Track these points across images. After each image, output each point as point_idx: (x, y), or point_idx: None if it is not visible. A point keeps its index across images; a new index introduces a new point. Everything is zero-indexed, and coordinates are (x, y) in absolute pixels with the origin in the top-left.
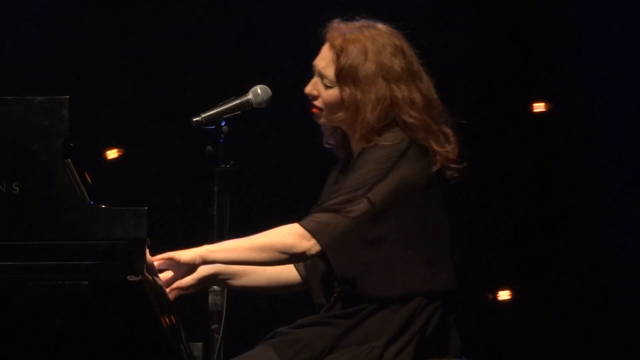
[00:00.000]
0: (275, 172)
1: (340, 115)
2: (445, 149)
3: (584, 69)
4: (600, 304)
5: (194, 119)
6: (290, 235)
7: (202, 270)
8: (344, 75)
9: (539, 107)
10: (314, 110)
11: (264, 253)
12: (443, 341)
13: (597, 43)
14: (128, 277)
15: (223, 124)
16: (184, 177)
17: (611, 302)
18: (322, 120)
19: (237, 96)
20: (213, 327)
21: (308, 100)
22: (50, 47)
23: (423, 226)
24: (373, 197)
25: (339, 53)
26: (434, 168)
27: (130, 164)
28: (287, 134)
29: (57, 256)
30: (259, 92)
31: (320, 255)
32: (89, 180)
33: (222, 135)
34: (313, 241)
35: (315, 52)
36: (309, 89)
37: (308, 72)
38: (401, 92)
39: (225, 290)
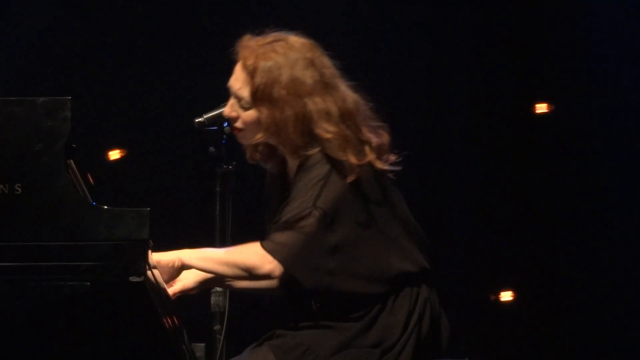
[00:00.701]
0: None
1: (262, 135)
2: (366, 159)
3: (587, 70)
4: (603, 305)
5: (196, 120)
6: (253, 255)
7: (203, 273)
8: (259, 97)
9: (541, 108)
10: (236, 131)
11: (230, 269)
12: (436, 330)
13: (599, 44)
14: (130, 278)
15: (225, 124)
16: (186, 178)
17: (614, 303)
18: (245, 141)
19: None
20: (215, 328)
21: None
22: (52, 47)
23: (374, 222)
24: (322, 204)
25: (252, 73)
26: (350, 179)
27: (133, 165)
28: None
29: (59, 257)
30: None
31: (285, 274)
32: (92, 181)
33: (225, 136)
34: (275, 262)
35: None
36: (227, 111)
37: None
38: (315, 105)
39: (228, 291)
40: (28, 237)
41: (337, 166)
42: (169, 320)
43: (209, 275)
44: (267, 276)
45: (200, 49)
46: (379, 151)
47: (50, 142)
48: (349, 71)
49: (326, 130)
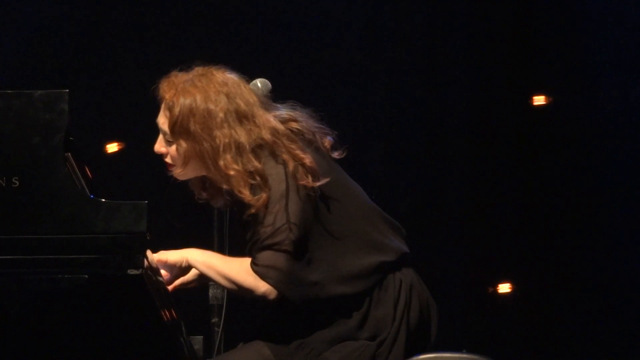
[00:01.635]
0: None
1: (190, 167)
2: (293, 159)
3: (585, 62)
4: (600, 298)
5: None
6: (249, 277)
7: None
8: (177, 132)
9: (539, 100)
10: (168, 167)
11: (229, 284)
12: (424, 313)
13: (597, 36)
14: (128, 271)
15: None
16: None
17: (612, 296)
18: (180, 177)
19: None
20: (213, 320)
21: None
22: (50, 40)
23: (338, 222)
24: (294, 219)
25: (171, 109)
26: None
27: (130, 158)
28: None
29: (57, 250)
30: (259, 85)
31: (278, 296)
32: (89, 174)
33: None
34: (266, 287)
35: (314, 44)
36: (156, 147)
37: (308, 66)
38: (223, 138)
39: None
40: (26, 230)
41: (289, 181)
42: (167, 313)
43: None
44: (263, 298)
45: (198, 42)
46: (308, 157)
47: (48, 135)
48: (348, 66)
49: (227, 166)
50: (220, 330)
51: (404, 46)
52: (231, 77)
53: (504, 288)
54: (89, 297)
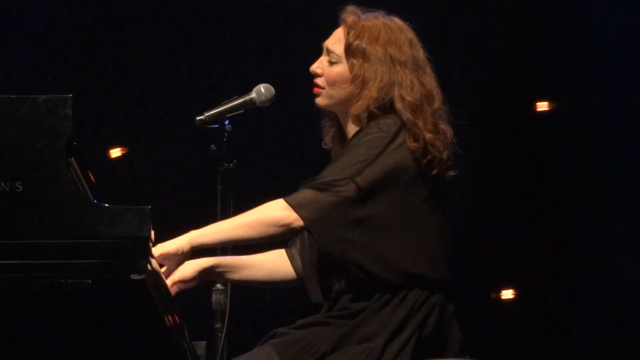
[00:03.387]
0: (279, 171)
1: (342, 92)
2: (438, 139)
3: (588, 68)
4: (603, 304)
5: (198, 118)
6: (276, 209)
7: (202, 263)
8: (354, 50)
9: (542, 106)
10: (315, 89)
11: (252, 229)
12: (443, 336)
13: (600, 42)
14: (131, 276)
15: (226, 122)
16: (188, 176)
17: (615, 301)
18: (321, 100)
19: (240, 95)
20: (216, 325)
21: (312, 81)
22: (54, 45)
23: (409, 214)
24: (361, 181)
25: (350, 29)
26: (424, 161)
27: (134, 163)
28: (291, 132)
29: (60, 255)
30: (262, 90)
31: (305, 229)
32: (93, 179)
33: (226, 134)
34: (296, 215)
35: (319, 50)
36: (314, 66)
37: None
38: (404, 75)
39: (229, 289)
40: (29, 235)
41: (398, 139)
42: (170, 318)
43: (207, 266)
44: (287, 228)
45: (201, 47)
46: (444, 146)
47: (52, 140)
48: None
49: (409, 95)
50: (223, 335)
51: None
52: (409, 28)
53: (507, 294)
54: (92, 302)
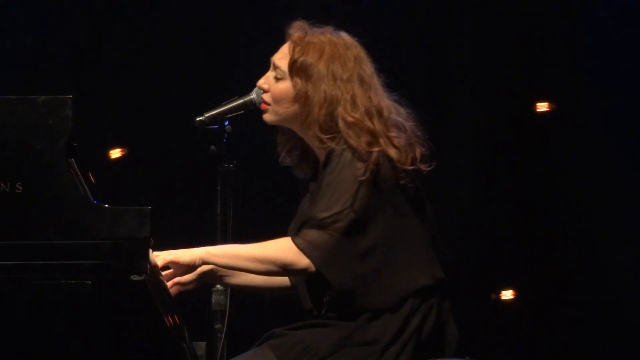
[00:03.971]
0: (279, 172)
1: (288, 109)
2: (394, 148)
3: (588, 69)
4: (603, 304)
5: (198, 119)
6: (289, 252)
7: (202, 267)
8: (297, 68)
9: (542, 107)
10: (262, 105)
11: (262, 265)
12: (440, 336)
13: (601, 42)
14: (131, 277)
15: (226, 123)
16: (188, 176)
17: (615, 302)
18: (267, 117)
19: (240, 96)
20: (216, 326)
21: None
22: (53, 46)
23: (401, 225)
24: (358, 207)
25: (296, 46)
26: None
27: (134, 164)
28: None
29: (60, 255)
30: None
31: (317, 272)
32: (93, 179)
33: (226, 135)
34: (308, 261)
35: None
36: (260, 81)
37: None
38: (346, 92)
39: (229, 290)
40: (29, 235)
41: (371, 167)
42: (170, 319)
43: (206, 270)
44: (300, 272)
45: (201, 48)
46: (405, 150)
47: (52, 141)
48: None
49: (349, 114)
50: (223, 336)
51: (406, 52)
52: (359, 44)
53: (507, 295)
54: (92, 302)
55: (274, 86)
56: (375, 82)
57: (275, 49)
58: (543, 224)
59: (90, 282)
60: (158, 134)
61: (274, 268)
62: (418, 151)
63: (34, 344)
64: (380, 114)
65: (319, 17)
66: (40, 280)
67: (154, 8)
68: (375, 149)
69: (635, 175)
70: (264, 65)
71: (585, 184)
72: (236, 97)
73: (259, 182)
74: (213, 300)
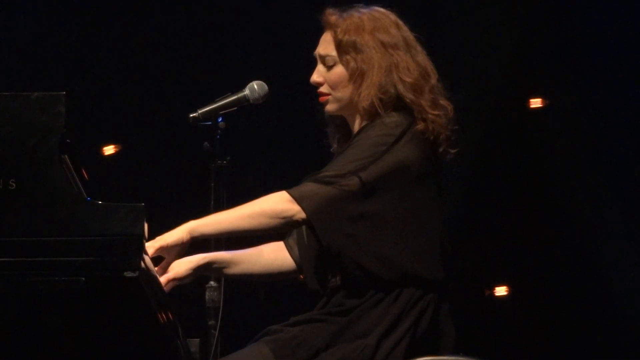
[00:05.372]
0: (272, 167)
1: (347, 90)
2: (440, 115)
3: (581, 65)
4: (597, 300)
5: (191, 115)
6: (279, 201)
7: (196, 260)
8: (344, 46)
9: (535, 103)
10: (322, 98)
11: (254, 220)
12: (437, 335)
13: (594, 39)
14: (125, 273)
15: (220, 120)
16: (181, 173)
17: (609, 298)
18: (330, 106)
19: (233, 92)
20: (210, 323)
21: (315, 92)
22: (47, 43)
23: (414, 212)
24: (364, 176)
25: (336, 29)
26: (432, 139)
27: (127, 160)
28: (284, 129)
29: (53, 252)
30: (255, 87)
31: (306, 222)
32: (86, 176)
33: (219, 131)
34: (298, 207)
35: (311, 46)
36: (313, 77)
37: (304, 68)
38: (399, 57)
39: (222, 286)
40: (22, 232)
41: (404, 138)
42: (164, 316)
43: (202, 263)
44: (289, 220)
45: (195, 44)
46: (448, 119)
47: (45, 138)
48: None
49: (405, 77)
50: (216, 332)
51: None
52: (390, 11)
53: (501, 291)
54: (86, 299)
55: (327, 75)
56: (419, 45)
57: (268, 46)
58: (537, 220)
59: (83, 278)
60: (151, 130)
61: (266, 220)
62: (452, 126)
63: (27, 340)
64: (428, 78)
65: (311, 16)
66: (34, 277)
67: (148, 5)
68: (427, 112)
69: (629, 172)
70: (257, 62)
71: (579, 181)
72: (229, 93)
73: (252, 179)
74: (207, 297)
